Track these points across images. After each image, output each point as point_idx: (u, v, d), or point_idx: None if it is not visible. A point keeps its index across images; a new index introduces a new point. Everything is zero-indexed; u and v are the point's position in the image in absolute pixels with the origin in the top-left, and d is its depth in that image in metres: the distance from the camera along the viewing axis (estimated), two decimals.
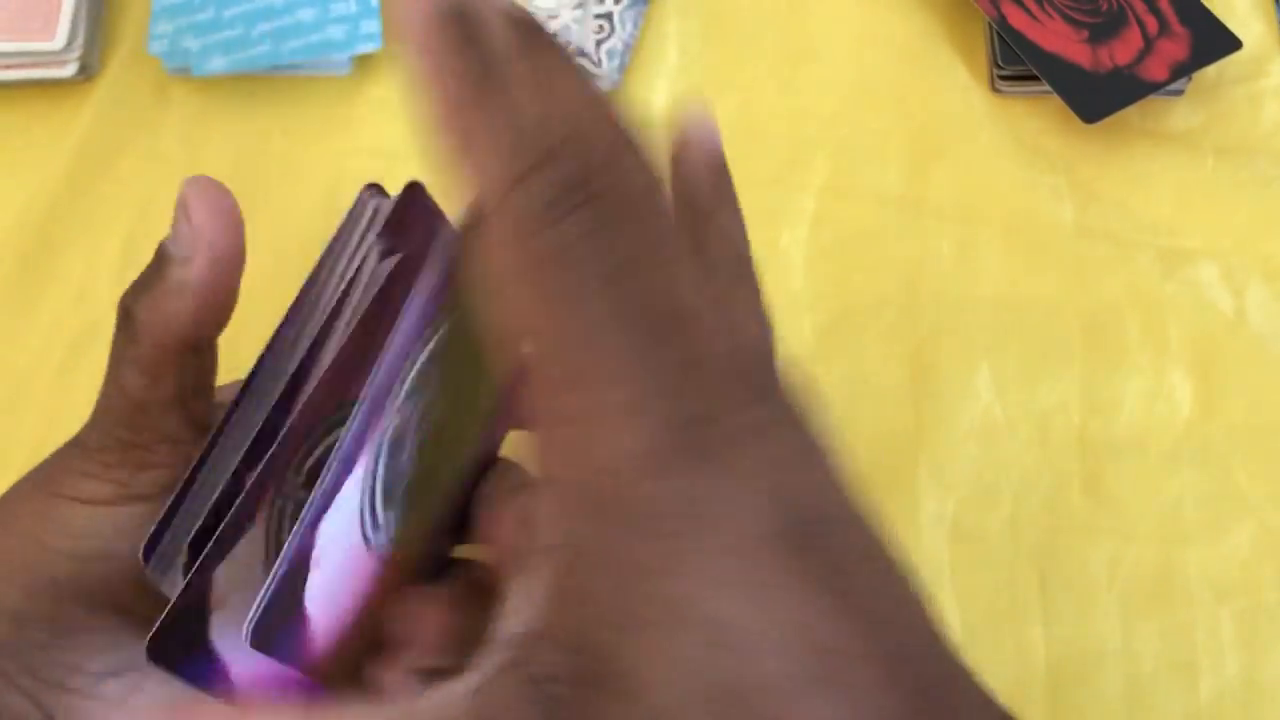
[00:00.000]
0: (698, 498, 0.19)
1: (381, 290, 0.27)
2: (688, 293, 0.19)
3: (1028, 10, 0.43)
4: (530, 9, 0.45)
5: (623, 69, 0.44)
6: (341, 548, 0.25)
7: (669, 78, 0.45)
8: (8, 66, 0.44)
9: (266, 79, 0.45)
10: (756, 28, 0.46)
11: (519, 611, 0.20)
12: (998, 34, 0.44)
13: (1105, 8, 0.43)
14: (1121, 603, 0.35)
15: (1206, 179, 0.43)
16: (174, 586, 0.24)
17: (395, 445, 0.26)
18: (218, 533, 0.24)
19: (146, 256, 0.42)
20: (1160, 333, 0.40)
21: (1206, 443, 0.38)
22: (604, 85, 0.43)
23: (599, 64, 0.44)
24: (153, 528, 0.25)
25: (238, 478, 0.25)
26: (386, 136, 0.44)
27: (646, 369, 0.18)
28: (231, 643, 0.24)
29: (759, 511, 0.19)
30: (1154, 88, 0.42)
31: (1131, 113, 0.42)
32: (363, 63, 0.46)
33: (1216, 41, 0.43)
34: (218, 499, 0.25)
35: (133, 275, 0.42)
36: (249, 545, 0.24)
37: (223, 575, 0.24)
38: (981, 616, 0.35)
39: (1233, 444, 0.38)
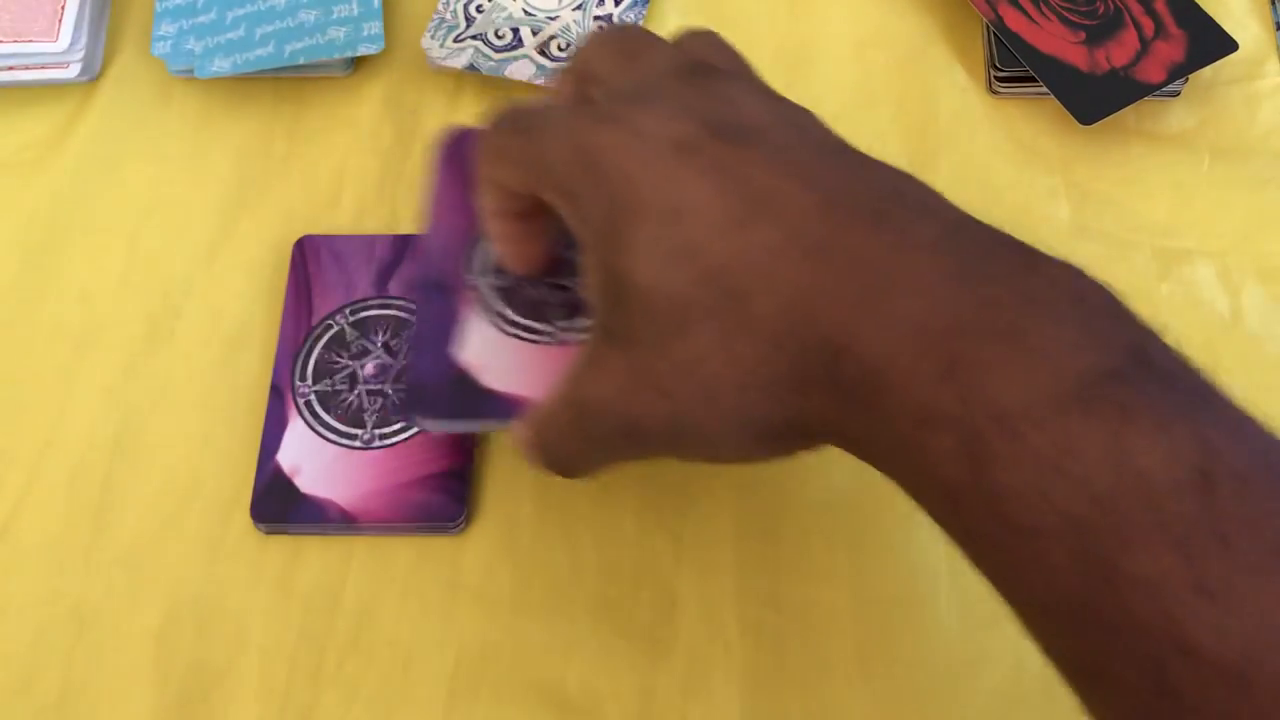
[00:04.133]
0: (631, 128, 0.28)
1: None
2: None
3: (1025, 12, 0.44)
4: (530, 10, 0.45)
5: None
6: (504, 354, 0.34)
7: None
8: (11, 68, 0.45)
9: (269, 80, 0.45)
10: (756, 29, 0.46)
11: (588, 284, 0.29)
12: (995, 36, 0.44)
13: (1102, 10, 0.44)
14: None
15: (1203, 180, 0.43)
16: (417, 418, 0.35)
17: (504, 293, 0.35)
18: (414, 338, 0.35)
19: (149, 257, 0.42)
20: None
21: None
22: None
23: None
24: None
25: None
26: (387, 137, 0.44)
27: (562, 109, 0.30)
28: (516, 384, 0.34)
29: (680, 125, 0.28)
30: (1150, 89, 0.42)
31: (1128, 114, 0.42)
32: (364, 64, 0.46)
33: (1213, 43, 0.43)
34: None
35: (136, 276, 0.42)
36: (478, 331, 0.35)
37: (465, 354, 0.34)
38: (979, 616, 0.35)
39: None
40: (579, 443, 0.31)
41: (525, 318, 0.35)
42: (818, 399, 0.26)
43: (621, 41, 0.32)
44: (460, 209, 0.36)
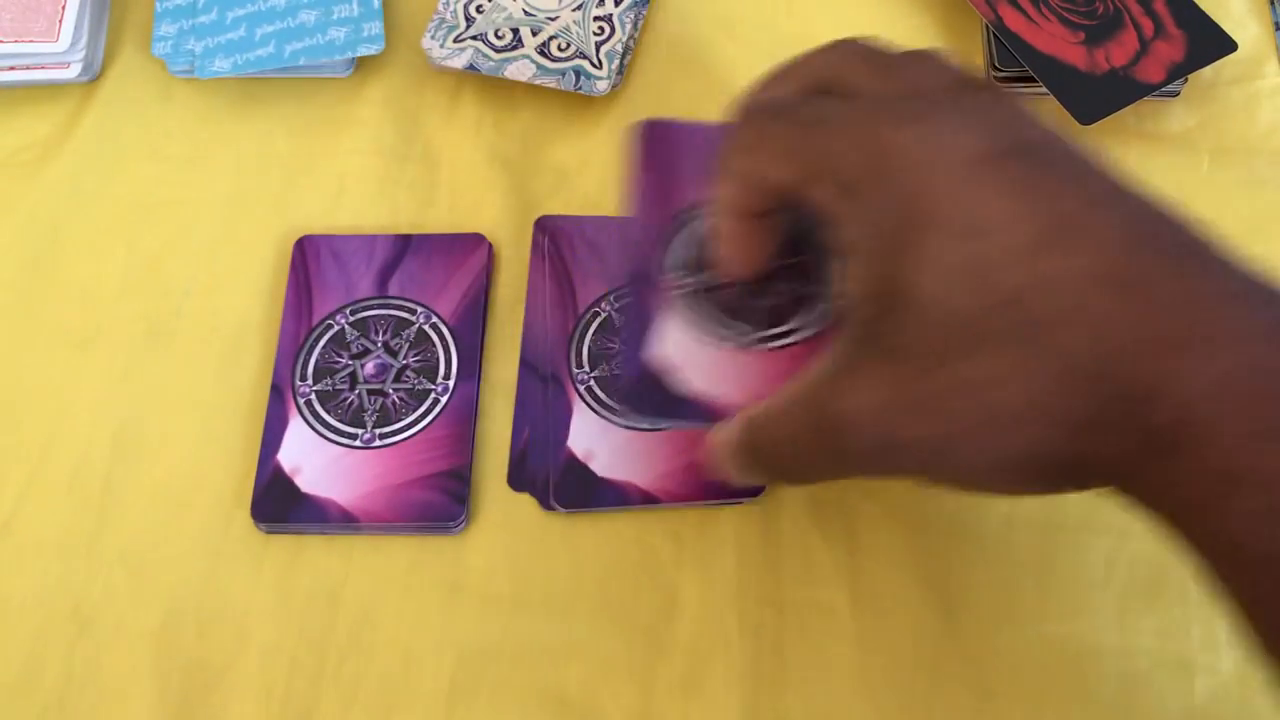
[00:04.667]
0: (933, 134, 0.26)
1: None
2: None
3: (1024, 12, 0.44)
4: (530, 11, 0.45)
5: (622, 70, 0.44)
6: (700, 358, 0.34)
7: (669, 79, 0.45)
8: (11, 68, 0.45)
9: (269, 80, 0.46)
10: (754, 28, 0.46)
11: (849, 292, 0.28)
12: (994, 36, 0.44)
13: (1101, 10, 0.44)
14: (1117, 600, 0.36)
15: (1203, 180, 0.43)
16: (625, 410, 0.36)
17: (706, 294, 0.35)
18: (629, 334, 0.34)
19: (150, 257, 0.42)
20: None
21: None
22: (604, 86, 0.43)
23: (599, 65, 0.44)
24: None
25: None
26: (388, 137, 0.44)
27: (848, 104, 0.28)
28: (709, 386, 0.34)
29: (981, 138, 0.26)
30: (1150, 89, 0.42)
31: (1128, 114, 0.42)
32: (364, 64, 0.46)
33: (1212, 43, 0.43)
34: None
35: (137, 277, 0.42)
36: (677, 330, 0.34)
37: (657, 355, 0.34)
38: (979, 615, 0.35)
39: None
40: (818, 453, 0.29)
41: (722, 321, 0.35)
42: (1113, 441, 0.25)
43: (872, 53, 0.30)
44: (658, 203, 0.36)
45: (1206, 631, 0.35)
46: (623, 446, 0.37)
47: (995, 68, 0.44)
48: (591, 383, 0.38)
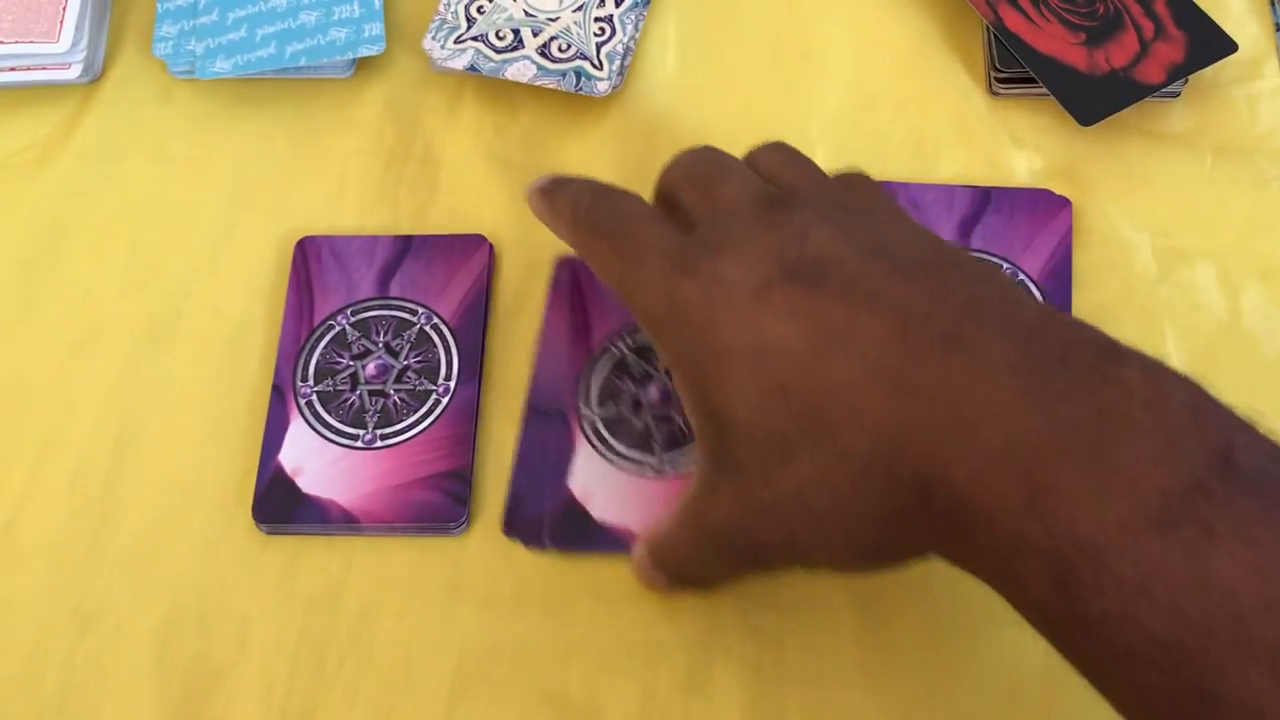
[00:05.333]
0: (713, 278, 0.29)
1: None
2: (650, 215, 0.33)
3: (1024, 13, 0.44)
4: (531, 12, 0.45)
5: (623, 71, 0.44)
6: (613, 485, 0.37)
7: (669, 80, 0.45)
8: (12, 69, 0.45)
9: (270, 81, 0.46)
10: (756, 31, 0.46)
11: (688, 413, 0.31)
12: (995, 37, 0.44)
13: (1101, 11, 0.44)
14: None
15: (1204, 180, 0.43)
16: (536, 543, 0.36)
17: (611, 425, 0.38)
18: (553, 465, 0.37)
19: (149, 257, 0.42)
20: (1157, 332, 0.40)
21: None
22: (604, 87, 0.43)
23: (600, 66, 0.44)
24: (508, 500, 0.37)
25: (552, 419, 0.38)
26: (388, 138, 0.44)
27: (650, 251, 0.31)
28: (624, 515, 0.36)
29: (756, 270, 0.29)
30: (1150, 90, 0.42)
31: (1128, 115, 0.42)
32: (365, 65, 0.46)
33: (1212, 44, 0.43)
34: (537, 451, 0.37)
35: (137, 277, 0.42)
36: (586, 460, 0.37)
37: (575, 485, 0.37)
38: (978, 616, 0.35)
39: None
40: (703, 563, 0.33)
41: (631, 448, 0.37)
42: (915, 526, 0.28)
43: (699, 168, 0.34)
44: (571, 340, 0.39)
45: None
46: (623, 490, 0.37)
47: (995, 68, 0.44)
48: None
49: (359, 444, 0.38)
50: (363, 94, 0.45)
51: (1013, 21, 0.44)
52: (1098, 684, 0.25)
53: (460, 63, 0.44)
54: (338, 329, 0.40)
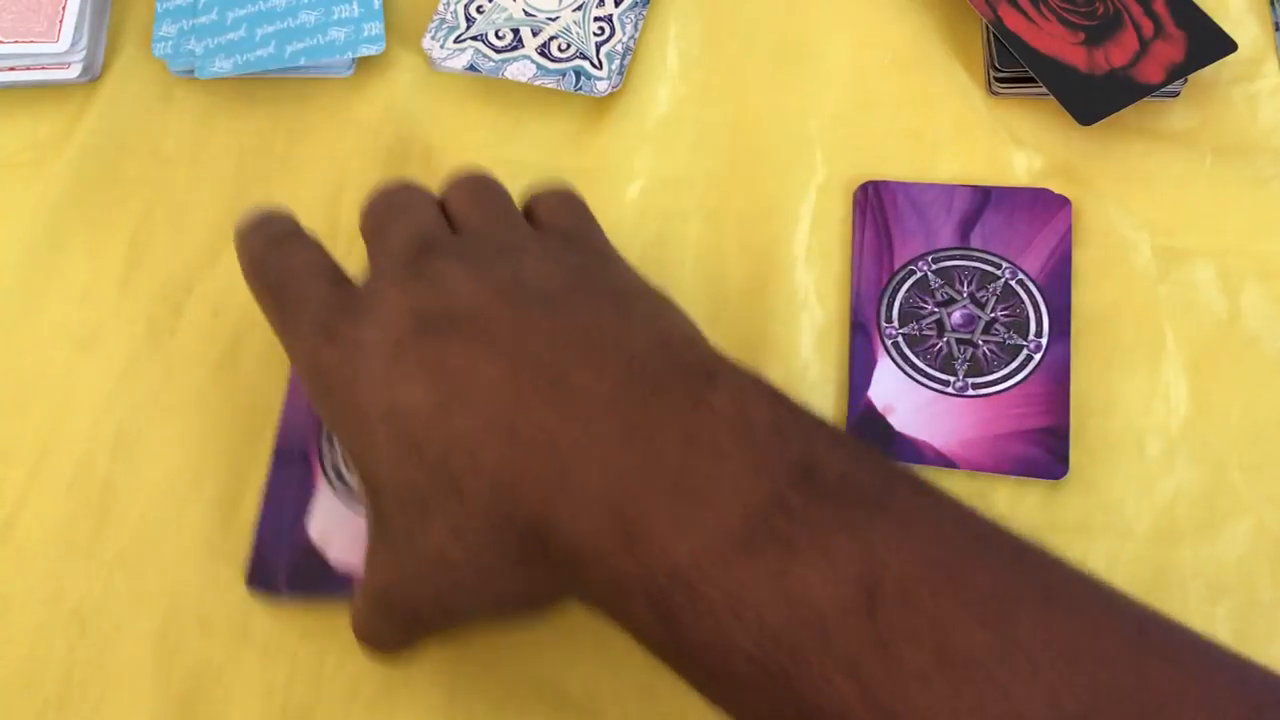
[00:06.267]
0: (353, 343, 0.30)
1: None
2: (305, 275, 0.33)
3: (1024, 13, 0.44)
4: (530, 11, 0.45)
5: (623, 71, 0.44)
6: (914, 398, 0.38)
7: (669, 80, 0.45)
8: (12, 69, 0.45)
9: (270, 81, 0.46)
10: (756, 30, 0.46)
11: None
12: (994, 36, 0.44)
13: (1101, 10, 0.44)
14: None
15: (1204, 179, 0.43)
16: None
17: (912, 343, 0.39)
18: (855, 375, 0.38)
19: (151, 258, 0.42)
20: (1156, 332, 0.40)
21: (1202, 441, 0.38)
22: (604, 87, 0.43)
23: (599, 66, 0.44)
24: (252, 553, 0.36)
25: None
26: (388, 138, 0.44)
27: (303, 314, 0.31)
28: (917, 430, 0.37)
29: (392, 329, 0.29)
30: (1150, 90, 0.42)
31: (1128, 114, 0.42)
32: (365, 65, 0.46)
33: (1212, 43, 0.43)
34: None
35: (137, 276, 0.42)
36: (886, 372, 0.38)
37: (876, 397, 0.38)
38: None
39: (1228, 443, 0.38)
40: (376, 627, 0.32)
41: (932, 367, 0.38)
42: (540, 573, 0.28)
43: (379, 210, 0.34)
44: (875, 259, 0.40)
45: (1206, 631, 0.35)
46: (924, 406, 0.38)
47: (995, 68, 0.44)
48: (899, 338, 0.38)
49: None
50: (362, 94, 0.45)
51: (1012, 21, 0.44)
52: (719, 708, 0.26)
53: (460, 62, 0.44)
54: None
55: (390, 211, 0.33)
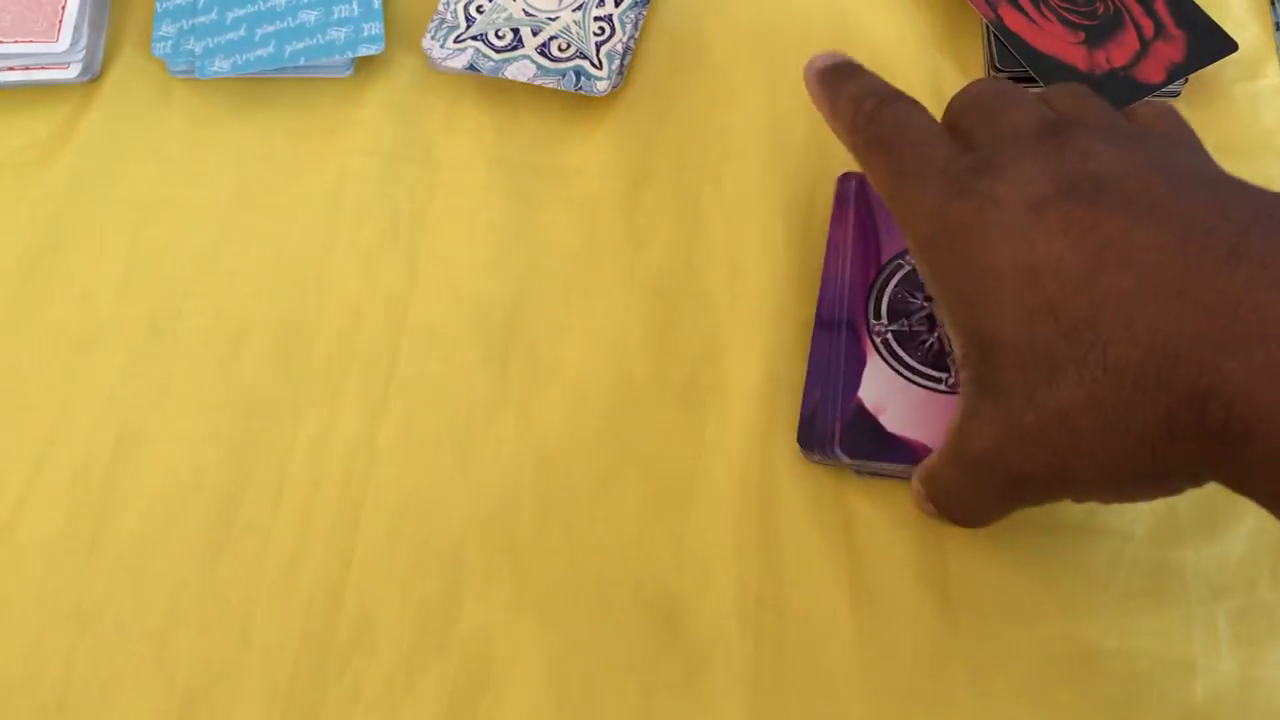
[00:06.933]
0: (988, 198, 0.29)
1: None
2: (935, 140, 0.33)
3: (1025, 13, 0.44)
4: (530, 11, 0.45)
5: (623, 71, 0.44)
6: (903, 398, 0.37)
7: (669, 80, 0.45)
8: (11, 69, 0.45)
9: (269, 81, 0.46)
10: (755, 30, 0.46)
11: (953, 337, 0.31)
12: (995, 36, 0.44)
13: (1101, 10, 0.44)
14: (1118, 602, 0.35)
15: None
16: (826, 449, 0.37)
17: (902, 340, 0.38)
18: (844, 376, 0.37)
19: (149, 257, 0.42)
20: None
21: None
22: (604, 87, 0.43)
23: (599, 66, 0.44)
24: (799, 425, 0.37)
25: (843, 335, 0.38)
26: (388, 138, 0.44)
27: (929, 170, 0.31)
28: (911, 428, 0.36)
29: (1032, 189, 0.29)
30: (1150, 89, 0.42)
31: None
32: (364, 64, 0.46)
33: (1213, 43, 0.43)
34: (829, 365, 0.38)
35: (137, 276, 0.42)
36: (877, 372, 0.37)
37: (866, 397, 0.37)
38: (979, 616, 0.35)
39: None
40: (966, 496, 0.33)
41: (924, 364, 0.37)
42: (1190, 445, 0.27)
43: (985, 97, 0.33)
44: (861, 255, 0.39)
45: (1207, 632, 0.35)
46: (916, 405, 0.37)
47: (996, 68, 0.44)
48: (889, 335, 0.38)
49: (943, 387, 0.37)
50: (362, 94, 0.45)
51: (1013, 21, 0.44)
52: None
53: (459, 62, 0.44)
54: (907, 269, 0.39)
55: (1003, 97, 0.33)
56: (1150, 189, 0.28)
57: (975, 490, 0.32)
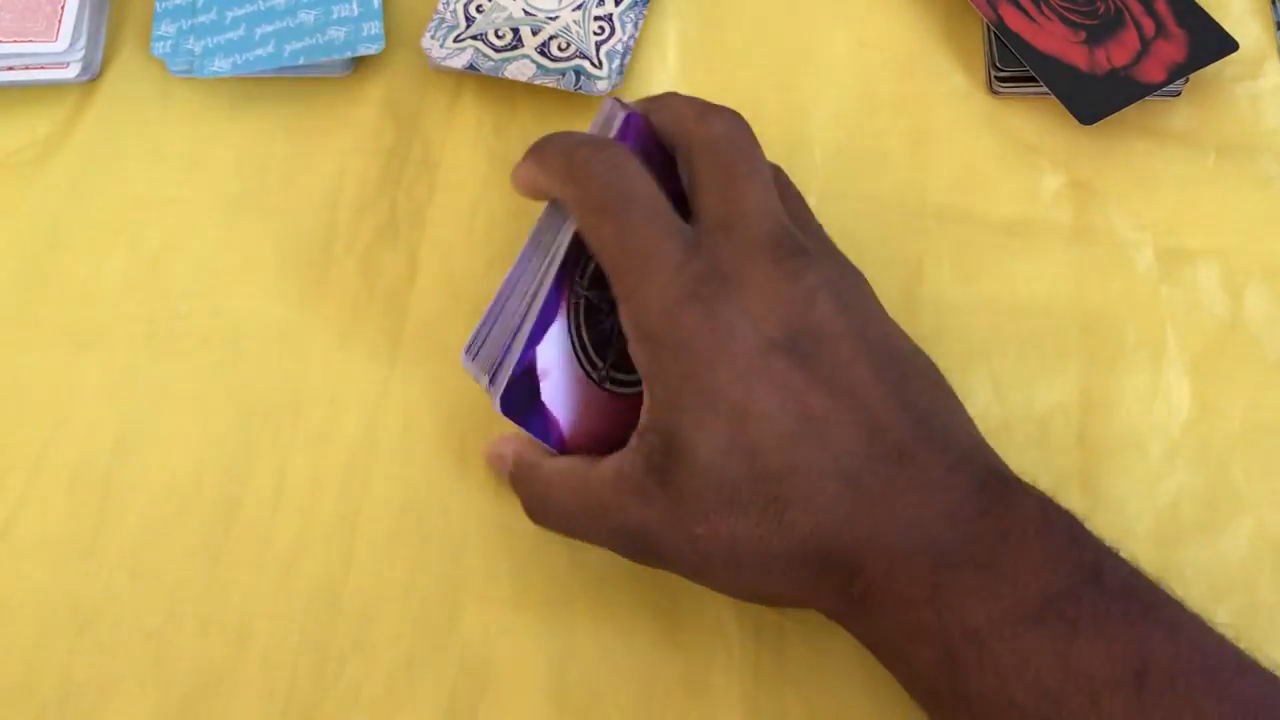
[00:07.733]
0: (722, 321, 0.30)
1: None
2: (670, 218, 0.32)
3: (1025, 12, 0.44)
4: (530, 10, 0.45)
5: (623, 70, 0.44)
6: (565, 371, 0.35)
7: (669, 79, 0.45)
8: (10, 68, 0.45)
9: (269, 80, 0.45)
10: (756, 30, 0.46)
11: (644, 414, 0.32)
12: (995, 36, 0.44)
13: (1102, 10, 0.44)
14: None
15: (1206, 179, 0.43)
16: (484, 377, 0.35)
17: (590, 312, 0.35)
18: (534, 323, 0.34)
19: (150, 257, 0.42)
20: (1159, 332, 0.40)
21: (1204, 442, 0.38)
22: (604, 86, 0.43)
23: (599, 66, 0.44)
24: (475, 330, 0.35)
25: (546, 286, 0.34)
26: (387, 137, 0.44)
27: (662, 262, 0.31)
28: (558, 405, 0.35)
29: (762, 328, 0.31)
30: (1151, 89, 0.42)
31: (1130, 113, 0.42)
32: (364, 64, 0.46)
33: (1213, 43, 0.43)
34: (532, 302, 0.34)
35: (137, 276, 0.42)
36: (558, 334, 0.35)
37: (541, 355, 0.34)
38: None
39: (1230, 443, 0.38)
40: (580, 530, 0.34)
41: (591, 344, 0.35)
42: (827, 598, 0.31)
43: (723, 147, 0.34)
44: None
45: None
46: (572, 384, 0.35)
47: (996, 68, 0.44)
48: (582, 301, 0.35)
49: (594, 375, 0.35)
50: (362, 93, 0.45)
51: (1013, 20, 0.44)
52: None
53: (459, 61, 0.44)
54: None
55: (740, 160, 0.33)
56: (854, 365, 0.31)
57: (591, 528, 0.33)
